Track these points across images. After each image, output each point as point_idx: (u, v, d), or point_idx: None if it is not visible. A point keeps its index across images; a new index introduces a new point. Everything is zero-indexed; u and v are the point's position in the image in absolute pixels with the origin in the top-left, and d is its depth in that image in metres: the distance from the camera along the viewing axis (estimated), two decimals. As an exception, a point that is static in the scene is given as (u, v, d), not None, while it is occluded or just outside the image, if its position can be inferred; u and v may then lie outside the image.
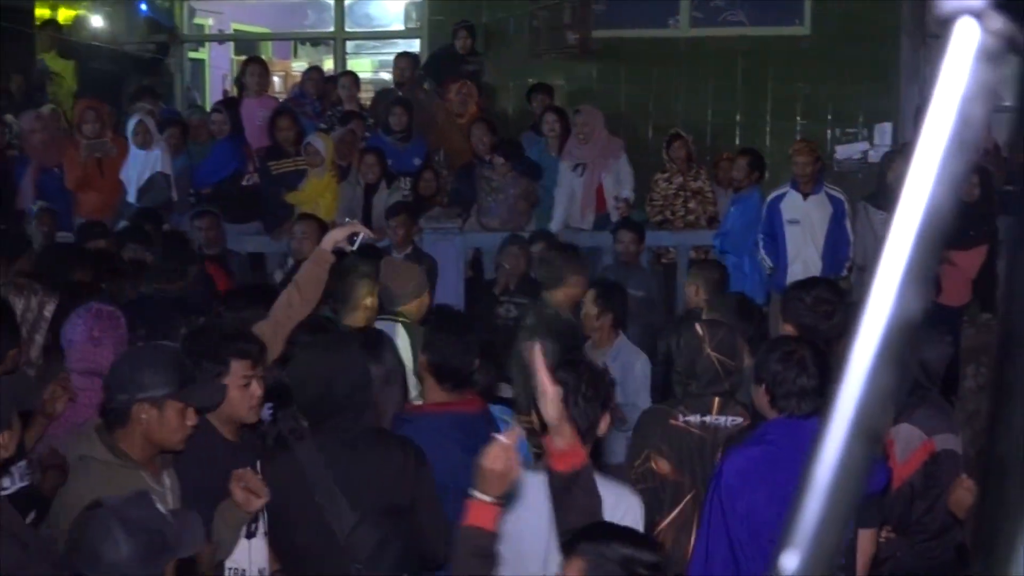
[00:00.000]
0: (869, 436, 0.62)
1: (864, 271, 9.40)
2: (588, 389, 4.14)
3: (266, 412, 4.64)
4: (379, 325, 5.84)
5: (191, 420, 3.85)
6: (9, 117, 11.26)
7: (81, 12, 14.10)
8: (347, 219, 6.35)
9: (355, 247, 5.51)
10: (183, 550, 3.30)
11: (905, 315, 0.62)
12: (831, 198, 9.35)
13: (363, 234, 5.52)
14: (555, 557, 3.83)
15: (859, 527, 4.38)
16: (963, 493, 4.37)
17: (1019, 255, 0.80)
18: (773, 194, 9.52)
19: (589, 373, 4.29)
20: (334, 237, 5.42)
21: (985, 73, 0.61)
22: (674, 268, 10.02)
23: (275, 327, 5.01)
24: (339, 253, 5.37)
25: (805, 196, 9.33)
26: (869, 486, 4.26)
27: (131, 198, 10.19)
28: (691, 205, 10.45)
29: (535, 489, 3.94)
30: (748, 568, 4.32)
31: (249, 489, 3.80)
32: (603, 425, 4.21)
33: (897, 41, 12.23)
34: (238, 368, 4.17)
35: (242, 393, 4.18)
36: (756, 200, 9.67)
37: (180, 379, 3.83)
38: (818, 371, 4.49)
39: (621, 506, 4.04)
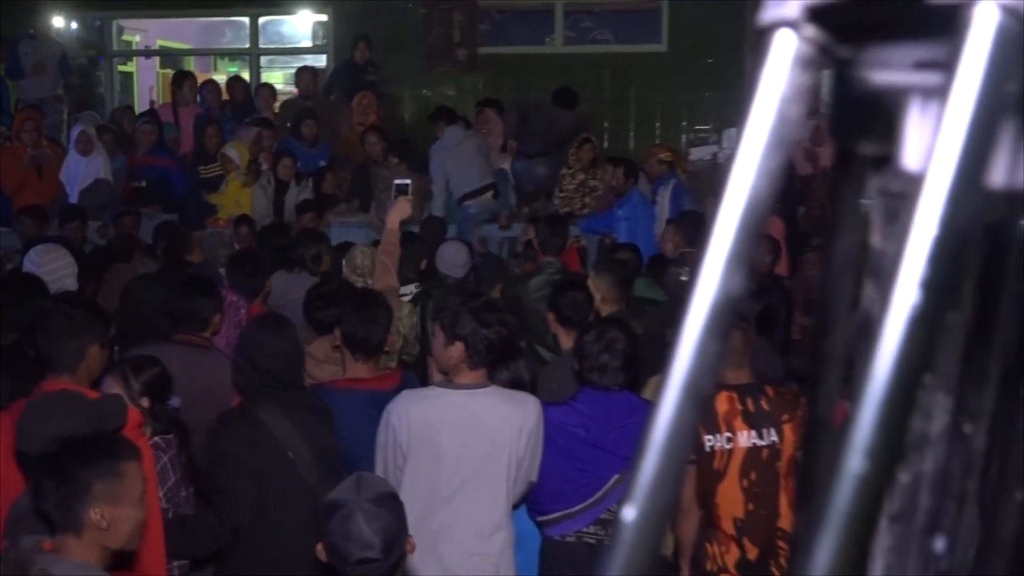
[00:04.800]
0: (697, 400, 0.60)
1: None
2: None
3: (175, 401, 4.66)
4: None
5: None
6: None
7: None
8: (402, 183, 6.66)
9: (408, 193, 6.37)
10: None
11: (729, 293, 0.61)
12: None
13: (409, 183, 6.41)
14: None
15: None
16: None
17: (831, 242, 0.87)
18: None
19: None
20: (397, 217, 6.15)
21: (800, 77, 0.62)
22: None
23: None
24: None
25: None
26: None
27: (72, 199, 10.80)
28: (587, 200, 11.02)
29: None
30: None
31: None
32: None
33: (742, 54, 12.66)
34: None
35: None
36: (637, 199, 10.29)
37: None
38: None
39: None
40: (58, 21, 14.74)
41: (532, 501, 4.93)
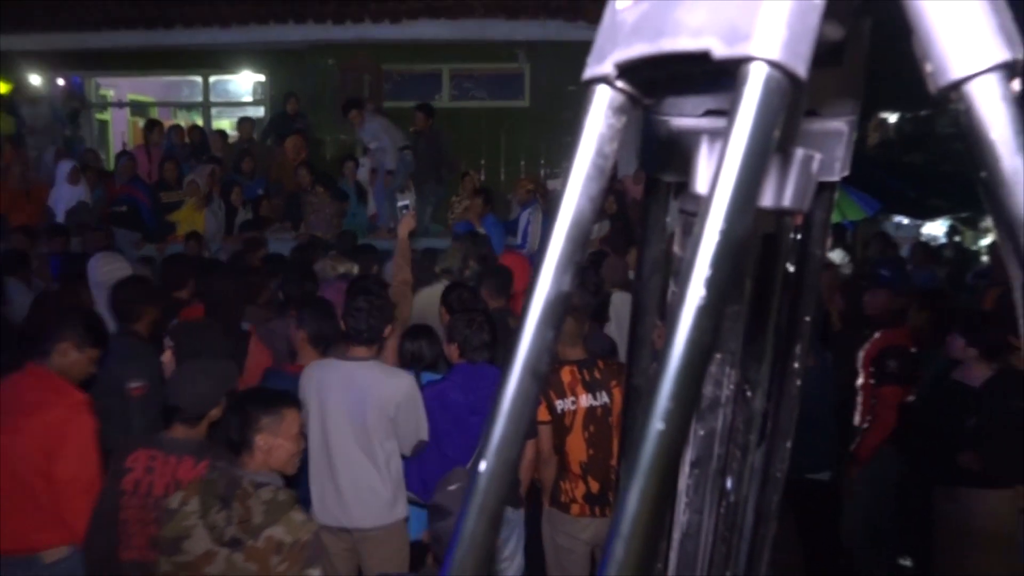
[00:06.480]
0: (535, 375, 0.59)
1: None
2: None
3: None
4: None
5: None
6: None
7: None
8: (403, 204, 6.40)
9: (410, 209, 6.25)
10: None
11: (561, 289, 0.60)
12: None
13: (409, 203, 6.33)
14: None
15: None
16: None
17: (642, 251, 0.86)
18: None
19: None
20: (406, 229, 6.08)
21: (615, 121, 0.60)
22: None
23: (401, 291, 5.81)
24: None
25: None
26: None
27: (59, 218, 10.59)
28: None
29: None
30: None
31: None
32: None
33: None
34: None
35: None
36: (490, 220, 10.34)
37: None
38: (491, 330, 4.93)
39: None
40: (46, 79, 14.50)
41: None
